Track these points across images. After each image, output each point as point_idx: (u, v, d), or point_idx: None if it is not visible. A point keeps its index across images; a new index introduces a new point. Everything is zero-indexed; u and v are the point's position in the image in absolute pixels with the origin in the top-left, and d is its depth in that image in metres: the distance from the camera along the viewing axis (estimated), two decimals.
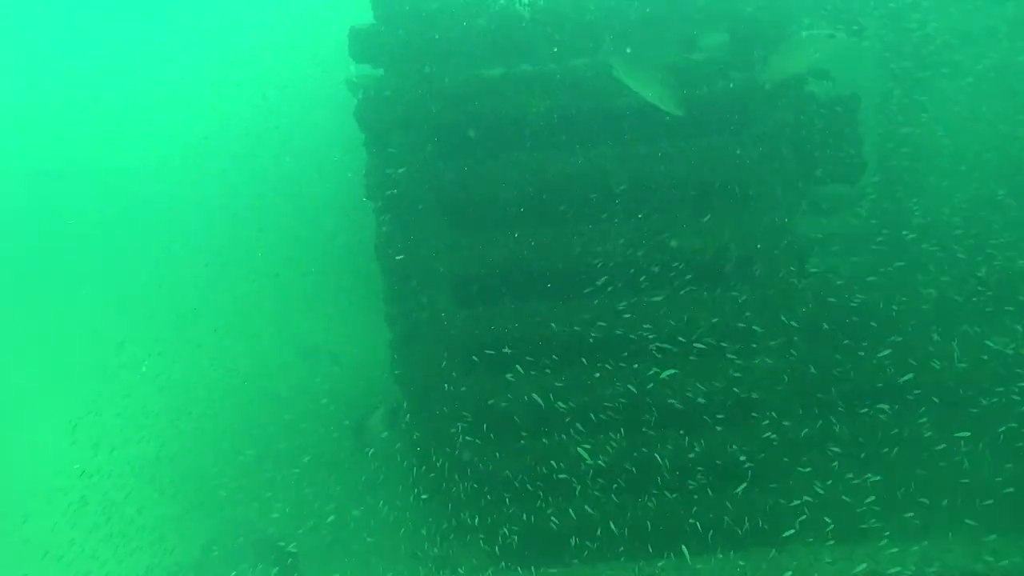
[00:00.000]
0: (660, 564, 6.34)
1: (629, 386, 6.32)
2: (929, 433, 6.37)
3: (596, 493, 6.48)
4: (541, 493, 6.52)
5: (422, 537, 6.77)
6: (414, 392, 6.67)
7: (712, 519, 6.46)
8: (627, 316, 6.29)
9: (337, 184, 13.18)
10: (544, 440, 6.51)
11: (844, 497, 6.32)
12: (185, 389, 10.95)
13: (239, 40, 18.80)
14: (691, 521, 6.42)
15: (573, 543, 6.48)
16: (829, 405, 6.47)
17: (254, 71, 17.33)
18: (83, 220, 16.59)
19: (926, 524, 6.31)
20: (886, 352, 6.36)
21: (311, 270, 13.16)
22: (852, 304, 6.43)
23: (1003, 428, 6.29)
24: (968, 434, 6.25)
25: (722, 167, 6.20)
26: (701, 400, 6.34)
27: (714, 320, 6.30)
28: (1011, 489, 6.23)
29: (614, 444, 6.41)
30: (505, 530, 6.51)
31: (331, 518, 7.31)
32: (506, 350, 6.38)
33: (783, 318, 6.31)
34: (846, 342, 6.45)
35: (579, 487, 6.47)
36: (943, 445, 6.32)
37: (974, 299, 6.47)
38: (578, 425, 6.42)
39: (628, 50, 5.90)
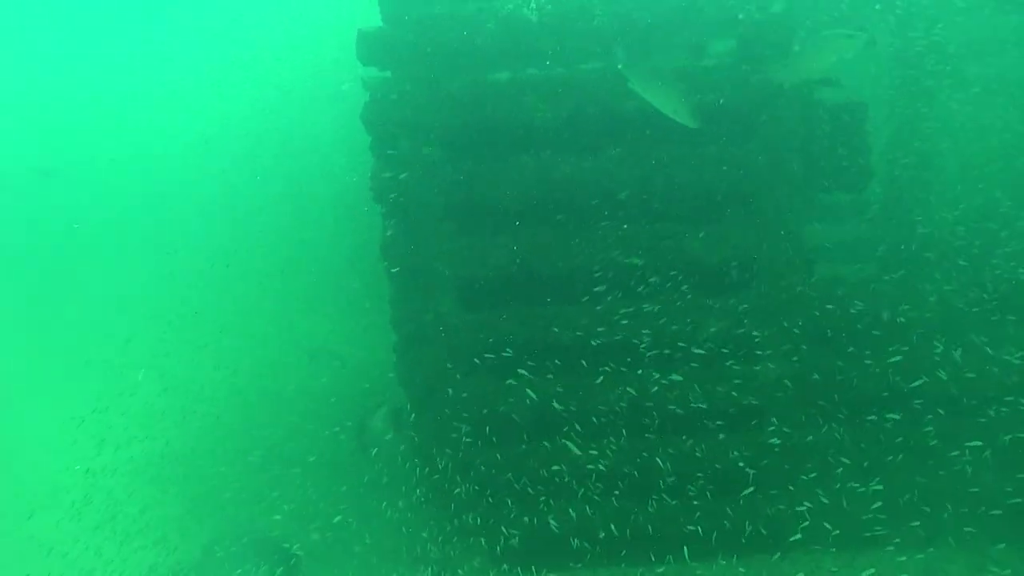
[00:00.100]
0: (661, 570, 6.35)
1: (629, 389, 6.33)
2: (934, 441, 6.35)
3: (597, 498, 6.48)
4: (543, 496, 6.53)
5: (424, 539, 6.79)
6: (417, 394, 6.70)
7: (714, 525, 6.45)
8: (627, 323, 6.31)
9: (338, 185, 13.27)
10: (546, 443, 6.52)
11: (847, 505, 6.31)
12: (189, 389, 10.98)
13: (239, 40, 18.85)
14: (693, 527, 6.41)
15: (575, 546, 6.48)
16: (832, 412, 6.46)
17: (254, 71, 17.41)
18: (85, 220, 16.65)
19: (931, 533, 6.30)
20: (892, 360, 6.35)
21: (313, 271, 13.21)
22: (856, 311, 6.42)
23: (1009, 437, 6.26)
24: (978, 443, 6.23)
25: (729, 174, 6.21)
26: (703, 405, 6.34)
27: (718, 326, 6.30)
28: (1019, 499, 6.19)
29: (614, 448, 6.42)
30: (507, 532, 6.51)
31: (337, 518, 7.32)
32: (506, 352, 6.39)
33: (787, 325, 6.31)
34: (850, 349, 6.45)
35: (581, 491, 6.47)
36: (955, 452, 6.29)
37: (979, 308, 6.45)
38: (577, 426, 6.42)
39: (644, 63, 5.89)
